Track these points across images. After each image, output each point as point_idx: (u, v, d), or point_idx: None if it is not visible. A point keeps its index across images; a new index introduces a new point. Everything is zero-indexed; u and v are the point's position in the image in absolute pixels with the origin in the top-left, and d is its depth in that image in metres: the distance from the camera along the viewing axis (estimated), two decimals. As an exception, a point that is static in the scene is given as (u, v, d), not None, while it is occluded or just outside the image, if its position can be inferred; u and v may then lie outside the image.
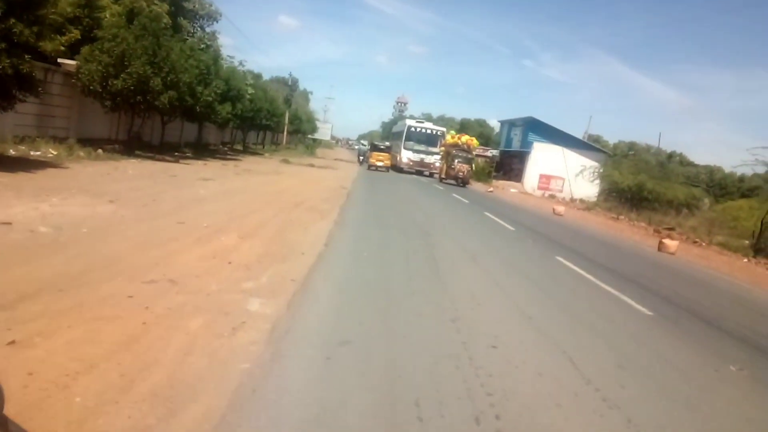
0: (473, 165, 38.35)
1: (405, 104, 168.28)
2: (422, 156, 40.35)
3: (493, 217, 17.39)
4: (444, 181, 35.77)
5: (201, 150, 30.53)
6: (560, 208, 23.06)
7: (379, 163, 39.28)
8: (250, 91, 29.57)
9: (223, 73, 26.43)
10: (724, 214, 34.66)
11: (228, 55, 29.38)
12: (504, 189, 42.01)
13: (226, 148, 37.93)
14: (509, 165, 53.92)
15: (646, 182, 40.70)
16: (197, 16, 30.88)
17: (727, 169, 77.44)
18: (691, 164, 71.37)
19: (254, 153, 40.97)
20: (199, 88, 23.47)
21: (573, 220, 22.30)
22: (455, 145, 37.40)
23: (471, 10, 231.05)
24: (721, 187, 71.07)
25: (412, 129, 41.75)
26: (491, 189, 37.96)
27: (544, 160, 49.32)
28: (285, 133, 54.95)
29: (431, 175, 40.02)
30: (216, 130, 39.00)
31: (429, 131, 42.16)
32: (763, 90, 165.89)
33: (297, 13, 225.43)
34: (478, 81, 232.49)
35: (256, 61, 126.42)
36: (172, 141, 29.48)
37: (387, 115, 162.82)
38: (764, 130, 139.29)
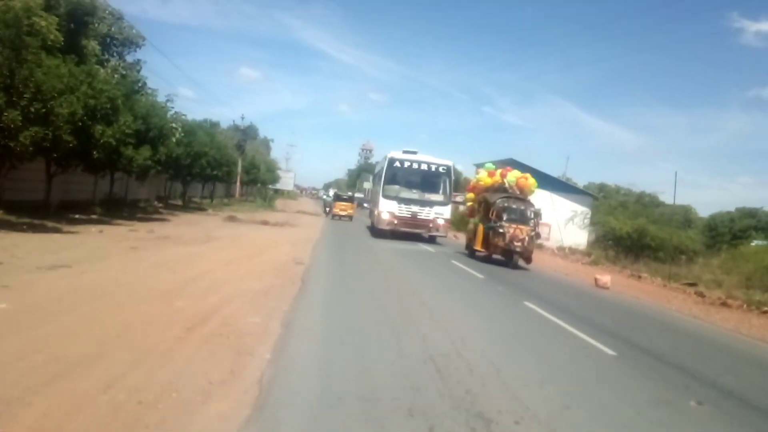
0: (536, 226, 19.76)
1: (370, 151, 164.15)
2: (414, 208, 24.48)
3: (552, 319, 10.95)
4: (478, 254, 20.69)
5: (118, 209, 23.87)
6: (604, 279, 16.93)
7: (343, 213, 38.34)
8: (178, 132, 23.14)
9: (139, 108, 20.09)
10: (749, 263, 29.38)
11: (149, 88, 22.94)
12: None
13: (160, 205, 31.26)
14: (490, 212, 48.58)
15: (648, 227, 35.83)
16: (113, 41, 24.62)
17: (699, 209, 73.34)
18: (663, 204, 67.32)
19: (197, 209, 34.32)
20: (99, 127, 17.08)
21: (627, 297, 16.19)
22: (499, 190, 21.17)
23: (428, 58, 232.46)
24: (711, 228, 66.53)
25: (397, 164, 25.08)
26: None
27: (527, 200, 44.52)
28: (238, 184, 48.48)
29: (431, 239, 25.45)
30: (149, 184, 32.37)
31: (425, 167, 25.27)
32: (715, 129, 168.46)
33: (258, 64, 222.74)
34: (440, 127, 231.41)
35: (218, 113, 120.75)
36: (80, 198, 22.84)
37: (352, 162, 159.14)
38: (718, 167, 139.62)
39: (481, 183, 22.74)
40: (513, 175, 21.67)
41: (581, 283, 18.50)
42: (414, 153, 26.17)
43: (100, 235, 15.16)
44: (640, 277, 24.42)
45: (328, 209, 43.04)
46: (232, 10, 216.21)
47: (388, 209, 24.45)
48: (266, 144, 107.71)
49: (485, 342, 7.55)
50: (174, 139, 23.10)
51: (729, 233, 64.80)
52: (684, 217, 73.89)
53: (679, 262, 31.00)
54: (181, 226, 21.18)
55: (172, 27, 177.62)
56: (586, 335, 8.75)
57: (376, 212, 26.54)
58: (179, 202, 34.88)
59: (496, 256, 19.72)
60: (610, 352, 7.85)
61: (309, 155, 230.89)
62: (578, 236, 41.84)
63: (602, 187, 75.56)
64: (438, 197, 25.11)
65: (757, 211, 69.41)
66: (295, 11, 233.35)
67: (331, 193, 51.24)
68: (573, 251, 38.09)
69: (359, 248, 19.76)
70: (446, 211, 25.07)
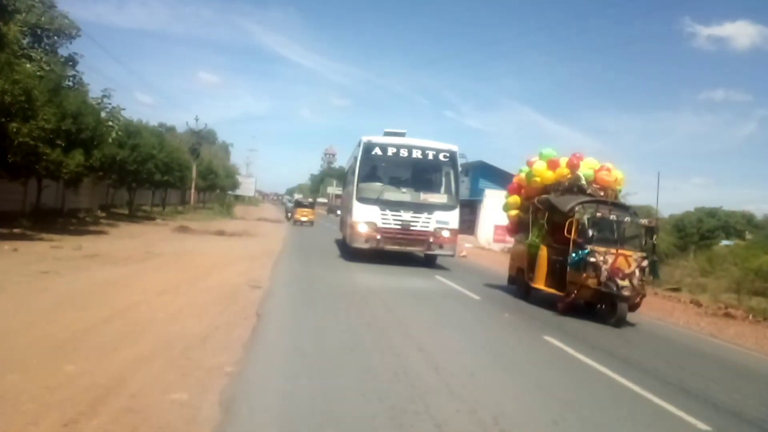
0: (652, 251, 11.74)
1: (333, 155, 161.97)
2: (406, 216, 16.94)
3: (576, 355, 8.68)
4: (536, 292, 12.81)
5: (51, 221, 20.90)
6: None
7: (304, 218, 39.38)
8: (115, 131, 20.27)
9: (68, 105, 17.26)
10: (733, 266, 28.06)
11: (81, 84, 20.08)
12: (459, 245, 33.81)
13: (102, 215, 28.16)
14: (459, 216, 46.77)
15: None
16: (44, 32, 21.65)
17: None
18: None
19: (145, 218, 31.27)
20: (14, 125, 14.31)
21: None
22: (569, 190, 12.94)
23: (390, 64, 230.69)
24: (679, 229, 66.04)
25: (377, 152, 17.43)
26: (464, 253, 25.24)
27: (499, 208, 42.55)
28: (193, 190, 45.30)
29: (430, 259, 18.35)
30: (90, 191, 29.25)
31: (419, 154, 17.63)
32: (668, 131, 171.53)
33: (218, 69, 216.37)
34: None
35: (177, 118, 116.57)
36: (7, 209, 19.81)
37: (316, 167, 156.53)
38: (670, 170, 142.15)
39: (536, 179, 13.39)
40: (588, 166, 12.97)
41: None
42: (400, 135, 18.28)
43: (11, 254, 12.38)
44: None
45: (290, 214, 44.71)
46: (191, 15, 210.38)
47: (366, 218, 16.61)
48: (225, 149, 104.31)
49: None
50: (111, 139, 20.18)
51: (697, 234, 64.63)
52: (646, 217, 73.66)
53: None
54: (119, 239, 18.36)
55: (129, 32, 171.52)
56: (650, 392, 6.51)
57: (349, 223, 17.97)
58: (126, 211, 31.76)
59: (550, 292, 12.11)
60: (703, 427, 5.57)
61: (271, 160, 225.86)
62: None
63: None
64: (440, 198, 17.35)
65: (717, 210, 69.68)
66: (255, 16, 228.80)
67: (296, 198, 53.64)
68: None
69: (329, 265, 17.30)
70: (453, 219, 17.09)
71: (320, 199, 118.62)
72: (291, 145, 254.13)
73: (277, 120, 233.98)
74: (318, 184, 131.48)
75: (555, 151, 13.67)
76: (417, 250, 17.36)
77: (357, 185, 17.09)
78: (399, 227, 16.69)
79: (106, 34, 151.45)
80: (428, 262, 18.45)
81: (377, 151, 17.22)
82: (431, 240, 16.77)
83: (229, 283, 10.97)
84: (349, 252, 17.97)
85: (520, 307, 12.24)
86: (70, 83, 20.97)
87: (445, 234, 16.91)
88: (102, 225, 23.69)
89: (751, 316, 15.09)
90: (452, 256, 18.21)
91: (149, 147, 28.48)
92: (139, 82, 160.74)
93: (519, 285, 13.67)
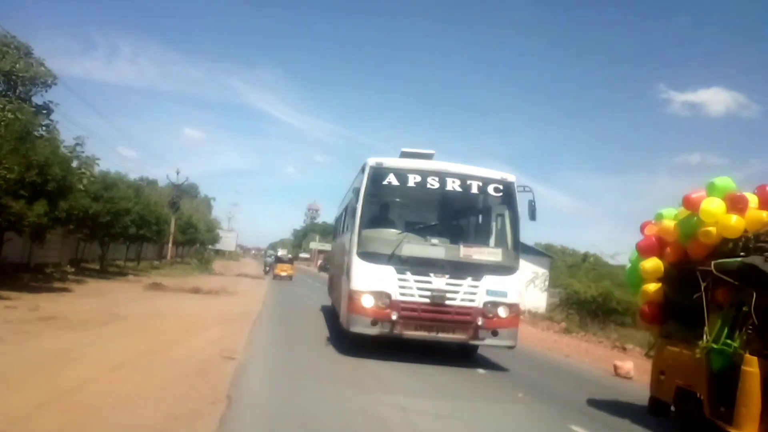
0: None
1: (317, 211, 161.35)
2: (440, 282, 10.51)
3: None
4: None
5: (15, 276, 19.42)
6: (626, 366, 12.99)
7: (283, 273, 40.76)
8: (86, 178, 19.09)
9: (35, 155, 16.11)
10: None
11: (50, 126, 19.06)
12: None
13: (71, 270, 26.58)
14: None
15: (613, 290, 33.81)
16: (18, 78, 20.75)
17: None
18: (606, 264, 64.91)
19: (118, 274, 29.68)
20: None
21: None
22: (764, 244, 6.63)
23: (372, 122, 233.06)
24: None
25: (390, 181, 11.07)
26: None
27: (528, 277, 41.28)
28: (171, 244, 43.73)
29: (469, 350, 12.06)
30: (60, 245, 27.79)
31: (455, 185, 11.21)
32: (645, 193, 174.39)
33: (203, 125, 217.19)
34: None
35: (160, 173, 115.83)
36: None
37: (298, 222, 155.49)
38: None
39: (708, 230, 7.43)
40: None
41: (591, 370, 14.12)
42: (426, 157, 12.20)
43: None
44: (624, 348, 21.43)
45: (268, 268, 47.41)
46: (179, 73, 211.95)
47: (373, 286, 10.49)
48: (207, 203, 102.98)
49: None
50: (82, 186, 19.01)
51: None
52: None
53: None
54: (83, 298, 16.89)
55: (115, 88, 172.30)
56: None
57: (345, 292, 11.43)
58: (97, 267, 30.18)
59: None
60: None
61: (254, 215, 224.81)
62: (537, 299, 38.86)
63: (548, 248, 74.29)
64: (491, 254, 11.09)
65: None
66: (242, 76, 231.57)
67: (280, 253, 56.81)
68: (534, 316, 35.74)
69: (312, 355, 15.87)
70: (512, 287, 10.95)
71: (303, 255, 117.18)
72: (274, 200, 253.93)
73: (260, 175, 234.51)
74: (301, 239, 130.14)
75: (732, 182, 7.80)
76: (456, 339, 10.80)
77: (359, 233, 10.69)
78: (427, 301, 10.28)
79: (92, 89, 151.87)
80: (468, 352, 12.02)
81: (391, 180, 10.88)
82: (479, 323, 10.33)
83: (199, 353, 9.63)
84: (343, 337, 11.68)
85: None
86: (42, 132, 19.94)
87: (502, 312, 10.50)
88: (69, 281, 22.16)
89: None
90: (512, 347, 11.20)
91: (125, 200, 27.22)
92: (123, 136, 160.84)
93: (681, 417, 7.56)
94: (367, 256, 10.53)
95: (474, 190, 11.12)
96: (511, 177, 11.33)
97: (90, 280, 23.88)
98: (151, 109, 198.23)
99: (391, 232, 11.08)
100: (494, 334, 10.50)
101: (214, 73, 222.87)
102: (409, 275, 10.31)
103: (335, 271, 16.44)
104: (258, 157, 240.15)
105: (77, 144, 19.64)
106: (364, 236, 10.66)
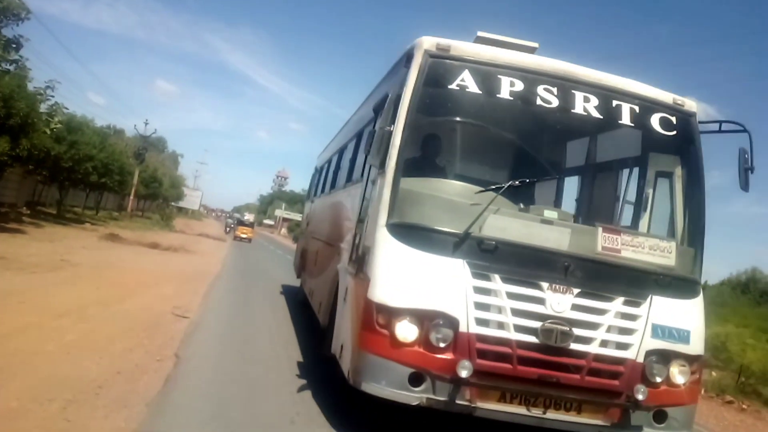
0: None
1: (285, 179, 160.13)
2: (560, 302, 4.57)
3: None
4: None
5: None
6: None
7: (243, 235, 42.08)
8: (53, 123, 18.35)
9: (1, 84, 15.37)
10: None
11: (19, 62, 18.18)
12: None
13: (26, 212, 25.69)
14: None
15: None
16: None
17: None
18: None
19: (74, 221, 28.83)
20: None
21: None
22: None
23: (351, 96, 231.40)
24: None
25: (460, 85, 4.84)
26: None
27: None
28: (132, 196, 42.71)
29: None
30: (17, 185, 26.83)
31: (601, 106, 5.07)
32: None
33: (176, 79, 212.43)
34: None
35: (129, 123, 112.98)
36: None
37: (266, 188, 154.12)
38: None
39: None
40: None
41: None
42: (527, 50, 5.62)
43: None
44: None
45: (228, 229, 51.00)
46: (157, 23, 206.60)
47: (415, 300, 4.55)
48: (174, 158, 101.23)
49: None
50: (48, 131, 18.28)
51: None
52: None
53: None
54: (36, 241, 16.32)
55: (90, 32, 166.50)
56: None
57: (349, 302, 5.32)
58: (54, 211, 29.27)
59: None
60: None
61: (221, 176, 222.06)
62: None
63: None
64: (659, 252, 4.98)
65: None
66: (223, 33, 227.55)
67: (246, 217, 60.10)
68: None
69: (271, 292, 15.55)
70: (695, 323, 5.05)
71: (267, 221, 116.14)
72: (243, 163, 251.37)
73: (232, 136, 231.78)
74: (267, 205, 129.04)
75: None
76: (587, 425, 4.75)
77: (394, 183, 4.80)
78: (533, 341, 4.59)
79: (67, 30, 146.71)
80: None
81: (466, 83, 4.96)
82: (637, 394, 4.64)
83: (151, 309, 9.32)
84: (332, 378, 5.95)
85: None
86: (9, 67, 19.01)
87: (679, 374, 4.90)
88: (24, 223, 21.42)
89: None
90: None
91: (89, 146, 26.39)
92: (93, 81, 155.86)
93: None
94: (410, 233, 4.70)
95: (624, 119, 5.25)
96: (690, 103, 5.47)
97: (45, 224, 23.13)
98: (125, 57, 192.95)
99: (460, 189, 5.24)
100: (660, 418, 4.85)
101: (194, 27, 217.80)
102: (497, 282, 4.61)
103: (315, 245, 9.93)
104: (231, 118, 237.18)
105: (48, 87, 18.77)
106: (404, 192, 4.82)
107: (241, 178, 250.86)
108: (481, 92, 4.93)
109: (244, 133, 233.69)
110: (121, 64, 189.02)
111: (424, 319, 4.49)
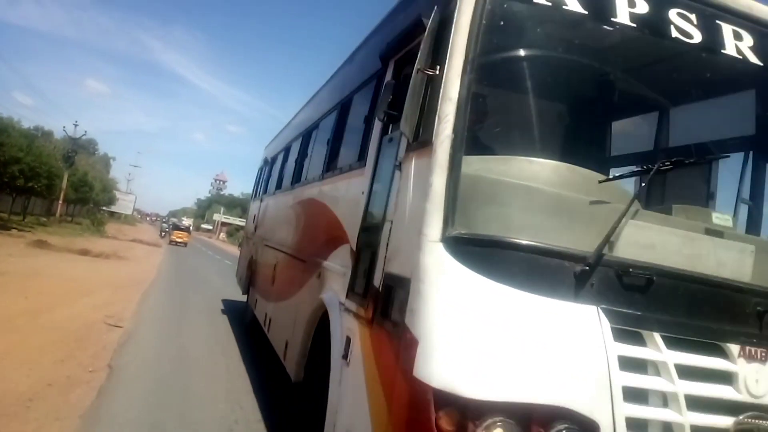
0: None
1: (224, 182, 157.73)
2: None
3: None
4: None
5: None
6: None
7: (179, 240, 42.39)
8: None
9: None
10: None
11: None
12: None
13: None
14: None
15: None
16: None
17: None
18: None
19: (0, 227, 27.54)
20: None
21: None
22: None
23: (287, 97, 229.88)
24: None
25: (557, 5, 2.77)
26: None
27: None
28: (61, 201, 41.07)
29: None
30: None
31: (729, 34, 3.04)
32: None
33: (108, 79, 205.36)
34: None
35: (57, 124, 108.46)
36: None
37: (203, 192, 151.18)
38: None
39: None
40: None
41: None
42: None
43: None
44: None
45: (164, 233, 51.39)
46: (87, 20, 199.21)
47: (512, 390, 2.32)
48: (106, 161, 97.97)
49: None
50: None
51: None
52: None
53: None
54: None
55: (16, 29, 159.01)
56: None
57: (365, 391, 2.99)
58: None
59: None
60: None
61: (156, 180, 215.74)
62: None
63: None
64: None
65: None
66: (157, 32, 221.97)
67: (184, 222, 60.70)
68: None
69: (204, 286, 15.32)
70: None
71: (205, 226, 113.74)
72: (179, 167, 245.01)
73: (167, 139, 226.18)
74: (204, 209, 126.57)
75: None
76: None
77: (449, 160, 2.57)
78: None
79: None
80: None
81: (555, 10, 2.84)
82: None
83: (82, 318, 9.10)
84: None
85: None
86: None
87: None
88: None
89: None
90: None
91: (15, 148, 25.31)
92: (19, 80, 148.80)
93: None
94: (492, 256, 2.52)
95: None
96: None
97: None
98: (54, 56, 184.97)
99: (568, 175, 3.02)
100: None
101: (125, 25, 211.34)
102: (658, 348, 2.51)
103: (271, 256, 7.86)
104: (166, 120, 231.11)
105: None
106: (473, 181, 2.69)
107: (178, 182, 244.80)
108: (586, 12, 2.86)
109: (179, 135, 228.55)
110: (49, 64, 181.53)
111: (534, 423, 2.32)
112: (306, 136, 7.27)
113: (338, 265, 4.03)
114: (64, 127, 43.42)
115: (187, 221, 59.96)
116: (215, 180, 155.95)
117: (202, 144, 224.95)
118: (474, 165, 2.73)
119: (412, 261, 2.57)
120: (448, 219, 2.49)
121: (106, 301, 11.29)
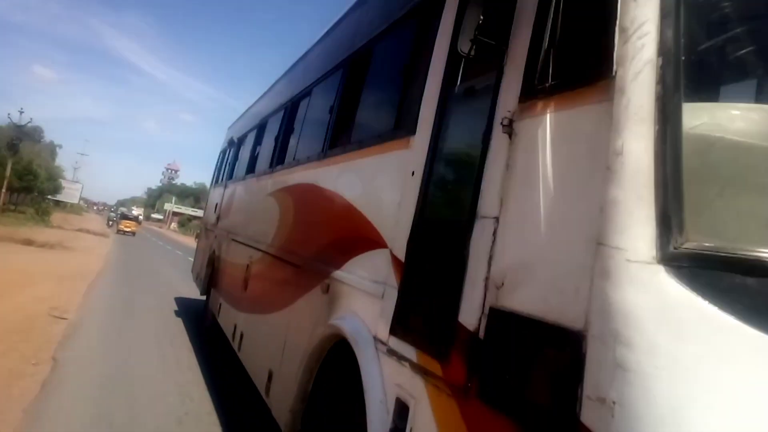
0: None
1: (176, 171, 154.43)
2: None
3: None
4: None
5: None
6: None
7: (127, 229, 42.75)
8: None
9: None
10: None
11: None
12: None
13: None
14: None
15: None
16: None
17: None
18: None
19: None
20: None
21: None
22: None
23: (243, 85, 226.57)
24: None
25: None
26: None
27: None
28: (4, 190, 39.43)
29: None
30: None
31: None
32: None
33: (55, 65, 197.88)
34: None
35: (1, 112, 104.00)
36: None
37: (154, 181, 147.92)
38: None
39: None
40: None
41: None
42: None
43: None
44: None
45: (111, 222, 51.51)
46: (34, 4, 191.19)
47: None
48: (52, 149, 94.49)
49: None
50: None
51: None
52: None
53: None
54: None
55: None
56: None
57: None
58: None
59: None
60: None
61: (104, 169, 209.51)
62: None
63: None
64: None
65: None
66: (108, 18, 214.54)
67: (135, 212, 61.20)
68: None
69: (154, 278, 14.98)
70: None
71: (155, 215, 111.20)
72: (129, 156, 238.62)
73: (117, 127, 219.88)
74: (155, 199, 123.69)
75: None
76: None
77: (662, 112, 1.38)
78: None
79: None
80: None
81: None
82: None
83: (25, 310, 8.81)
84: None
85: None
86: None
87: None
88: None
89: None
90: None
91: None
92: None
93: None
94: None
95: None
96: None
97: None
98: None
99: None
100: None
101: (74, 10, 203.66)
102: None
103: (242, 254, 6.46)
104: (116, 108, 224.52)
105: None
106: (714, 146, 1.52)
107: (127, 171, 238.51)
108: None
109: (130, 124, 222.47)
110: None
111: None
112: (293, 106, 5.83)
113: (365, 279, 2.84)
114: (8, 114, 41.42)
115: (136, 211, 58.96)
116: (167, 169, 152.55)
117: (154, 133, 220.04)
118: (703, 117, 1.56)
119: (581, 296, 1.41)
120: (669, 219, 1.34)
121: (51, 292, 10.93)
